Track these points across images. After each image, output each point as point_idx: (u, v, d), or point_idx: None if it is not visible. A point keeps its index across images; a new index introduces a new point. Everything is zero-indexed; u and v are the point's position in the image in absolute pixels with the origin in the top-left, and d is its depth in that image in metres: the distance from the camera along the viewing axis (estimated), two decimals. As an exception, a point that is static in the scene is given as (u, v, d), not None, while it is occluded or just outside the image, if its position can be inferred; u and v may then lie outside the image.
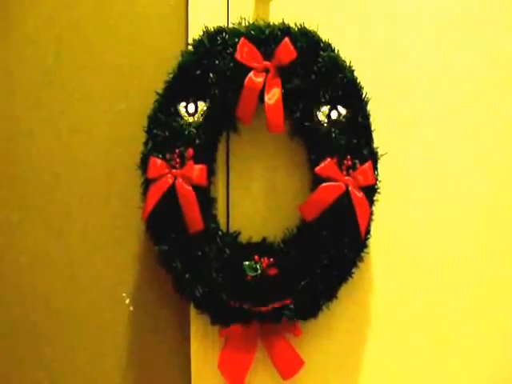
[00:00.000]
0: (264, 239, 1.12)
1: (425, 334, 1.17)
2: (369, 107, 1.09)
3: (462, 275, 1.17)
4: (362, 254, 1.10)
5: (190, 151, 1.07)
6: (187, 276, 1.07)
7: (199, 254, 1.08)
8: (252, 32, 1.07)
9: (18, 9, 1.19)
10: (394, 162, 1.14)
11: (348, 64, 1.09)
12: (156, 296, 1.18)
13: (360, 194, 1.06)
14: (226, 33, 1.08)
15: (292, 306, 1.08)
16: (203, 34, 1.09)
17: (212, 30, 1.09)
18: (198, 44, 1.09)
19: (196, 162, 1.07)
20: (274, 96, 1.06)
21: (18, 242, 1.20)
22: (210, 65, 1.08)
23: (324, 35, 1.09)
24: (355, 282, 1.12)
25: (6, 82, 1.20)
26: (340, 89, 1.08)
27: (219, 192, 1.16)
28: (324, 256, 1.07)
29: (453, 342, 1.17)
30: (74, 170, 1.19)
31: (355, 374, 1.18)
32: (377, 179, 1.09)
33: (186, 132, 1.08)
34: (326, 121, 1.08)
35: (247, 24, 1.10)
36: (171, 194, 1.06)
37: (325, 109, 1.08)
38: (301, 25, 1.09)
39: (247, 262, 1.08)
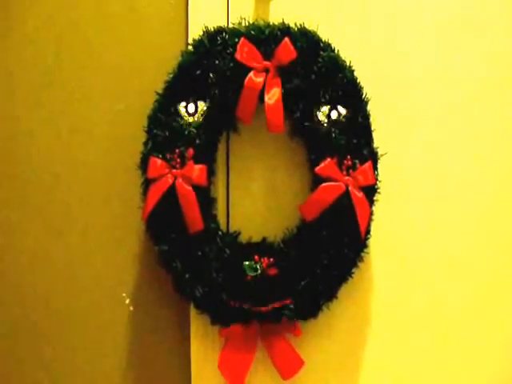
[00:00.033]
0: (264, 239, 1.12)
1: (425, 334, 1.17)
2: (369, 107, 1.09)
3: (462, 275, 1.17)
4: (362, 254, 1.10)
5: (190, 151, 1.07)
6: (187, 276, 1.07)
7: (199, 253, 1.08)
8: (252, 32, 1.07)
9: (17, 9, 1.19)
10: (394, 161, 1.14)
11: (348, 64, 1.09)
12: (156, 296, 1.18)
13: (360, 194, 1.06)
14: (226, 33, 1.08)
15: (292, 306, 1.08)
16: (203, 34, 1.09)
17: (212, 30, 1.09)
18: (197, 44, 1.09)
19: (196, 162, 1.07)
20: (273, 96, 1.06)
21: (17, 242, 1.20)
22: (210, 65, 1.08)
23: (324, 35, 1.09)
24: (355, 282, 1.12)
25: (6, 82, 1.20)
26: (340, 89, 1.08)
27: (219, 192, 1.16)
28: (324, 256, 1.07)
29: (453, 341, 1.17)
30: (74, 170, 1.19)
31: (355, 374, 1.18)
32: (377, 179, 1.09)
33: (186, 132, 1.07)
34: (325, 121, 1.08)
35: (247, 24, 1.10)
36: (171, 194, 1.06)
37: (325, 109, 1.08)
38: (301, 25, 1.09)
39: (247, 262, 1.08)
